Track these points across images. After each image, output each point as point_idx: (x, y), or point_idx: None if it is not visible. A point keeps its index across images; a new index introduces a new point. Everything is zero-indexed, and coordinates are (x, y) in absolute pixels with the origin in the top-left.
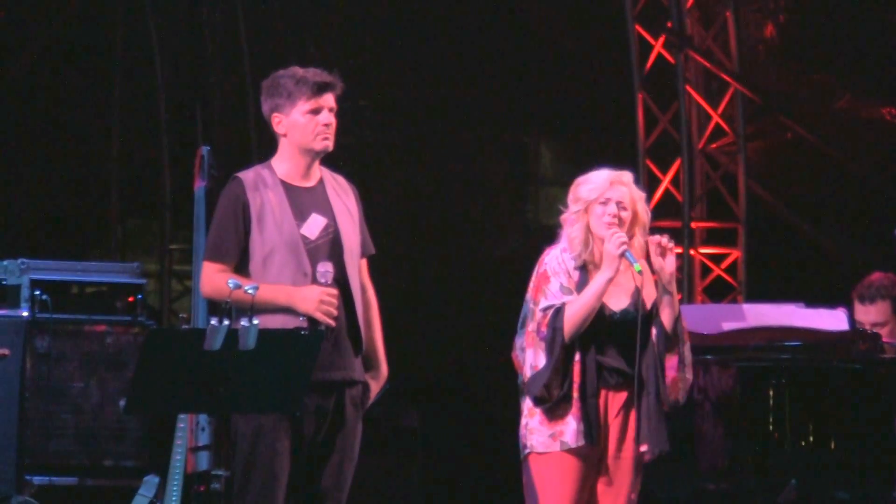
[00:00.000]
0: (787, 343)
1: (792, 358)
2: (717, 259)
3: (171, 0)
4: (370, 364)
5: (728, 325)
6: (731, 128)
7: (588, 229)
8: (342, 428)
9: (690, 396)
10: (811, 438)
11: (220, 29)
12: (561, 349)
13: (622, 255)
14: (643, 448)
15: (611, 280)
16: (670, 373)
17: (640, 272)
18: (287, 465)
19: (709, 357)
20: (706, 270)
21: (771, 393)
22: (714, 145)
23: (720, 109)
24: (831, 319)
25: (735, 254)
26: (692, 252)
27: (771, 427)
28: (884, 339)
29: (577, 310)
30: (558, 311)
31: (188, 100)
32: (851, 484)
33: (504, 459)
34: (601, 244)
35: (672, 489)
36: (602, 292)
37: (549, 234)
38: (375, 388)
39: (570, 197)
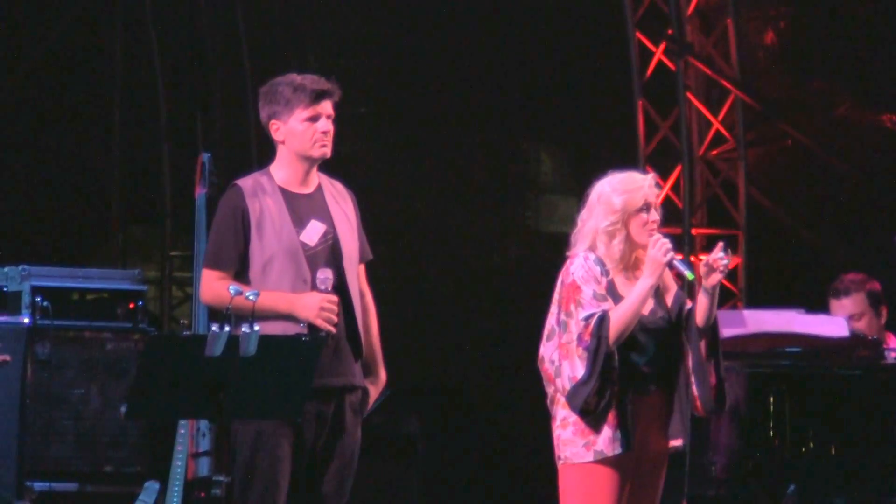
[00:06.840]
0: (787, 349)
1: (792, 364)
2: None
3: (171, 7)
4: (369, 370)
5: (728, 332)
6: (731, 134)
7: (630, 239)
8: (342, 434)
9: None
10: (811, 444)
11: (221, 36)
12: (604, 359)
13: (669, 262)
14: (678, 442)
15: (654, 286)
16: (713, 379)
17: (692, 279)
18: (287, 471)
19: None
20: None
21: (771, 399)
22: (714, 152)
23: (720, 116)
24: (831, 326)
25: (735, 260)
26: (692, 259)
27: (771, 433)
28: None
29: (621, 316)
30: (602, 320)
31: (189, 107)
32: (851, 490)
33: (504, 466)
34: (642, 252)
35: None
36: (646, 298)
37: (549, 241)
38: (374, 393)
39: (603, 209)
